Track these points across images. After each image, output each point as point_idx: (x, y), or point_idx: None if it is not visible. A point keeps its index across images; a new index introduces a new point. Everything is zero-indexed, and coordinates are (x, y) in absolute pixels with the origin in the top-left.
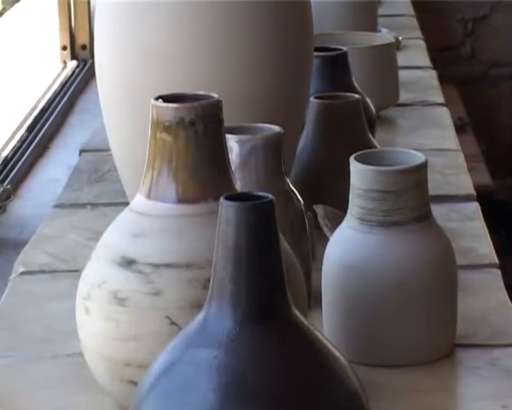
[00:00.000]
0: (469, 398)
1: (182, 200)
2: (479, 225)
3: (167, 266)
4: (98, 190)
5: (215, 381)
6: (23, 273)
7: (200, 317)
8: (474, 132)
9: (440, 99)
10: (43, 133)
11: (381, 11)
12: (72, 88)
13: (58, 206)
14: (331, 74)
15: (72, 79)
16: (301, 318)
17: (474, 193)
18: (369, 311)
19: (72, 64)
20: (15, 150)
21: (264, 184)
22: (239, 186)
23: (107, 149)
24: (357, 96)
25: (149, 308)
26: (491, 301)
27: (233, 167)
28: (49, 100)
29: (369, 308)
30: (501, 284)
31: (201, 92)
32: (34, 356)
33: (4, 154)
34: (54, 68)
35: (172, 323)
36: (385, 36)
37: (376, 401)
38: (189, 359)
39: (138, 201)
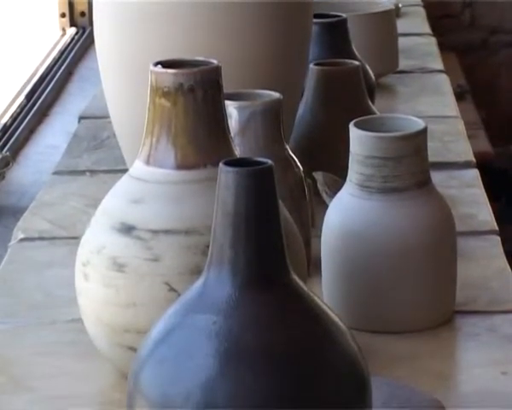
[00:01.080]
0: (469, 364)
1: (181, 166)
2: (478, 192)
3: (166, 232)
4: (97, 157)
5: (214, 346)
6: (22, 240)
7: (199, 283)
8: (474, 100)
9: (440, 66)
10: (42, 100)
11: None
12: (71, 55)
13: (57, 173)
14: (330, 41)
15: (70, 46)
16: (301, 283)
17: (474, 160)
18: (369, 277)
19: (71, 31)
20: (14, 118)
21: (264, 151)
22: (238, 152)
23: (107, 116)
24: (356, 62)
25: (148, 274)
26: (491, 268)
27: (232, 134)
28: (48, 67)
29: (369, 275)
30: (500, 250)
31: (201, 58)
32: (33, 322)
33: (3, 121)
34: (52, 36)
35: (171, 289)
36: (385, 3)
37: (376, 366)
38: (189, 324)
39: (137, 167)
